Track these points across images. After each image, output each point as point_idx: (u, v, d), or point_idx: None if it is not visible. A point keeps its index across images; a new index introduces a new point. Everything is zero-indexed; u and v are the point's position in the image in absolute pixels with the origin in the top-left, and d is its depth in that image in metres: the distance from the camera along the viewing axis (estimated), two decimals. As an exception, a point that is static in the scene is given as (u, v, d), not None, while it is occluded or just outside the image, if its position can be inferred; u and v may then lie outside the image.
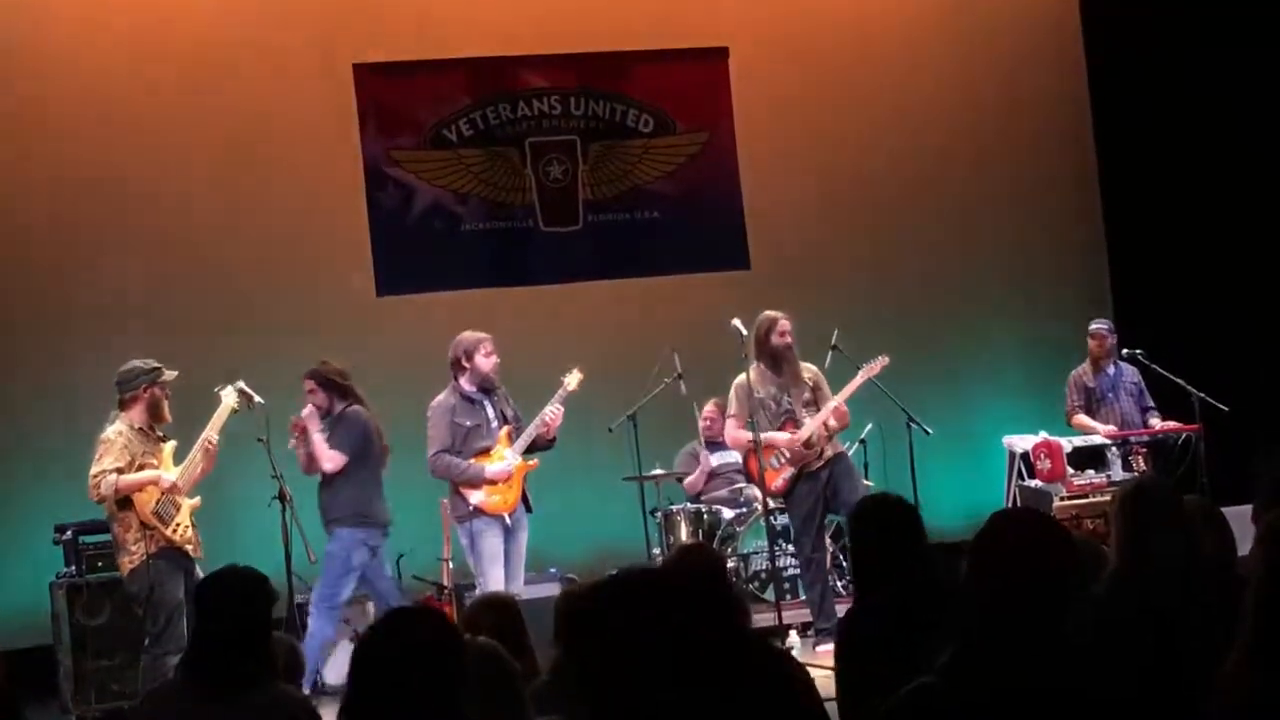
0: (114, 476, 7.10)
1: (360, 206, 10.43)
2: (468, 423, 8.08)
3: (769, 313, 8.47)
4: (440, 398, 8.16)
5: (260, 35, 10.27)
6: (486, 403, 8.17)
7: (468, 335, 8.17)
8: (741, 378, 8.45)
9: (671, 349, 9.10)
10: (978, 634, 2.97)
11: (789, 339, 8.41)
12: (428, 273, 10.56)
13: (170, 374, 7.40)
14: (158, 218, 9.99)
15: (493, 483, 8.04)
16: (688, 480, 9.82)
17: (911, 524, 4.18)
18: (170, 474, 7.25)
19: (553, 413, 8.12)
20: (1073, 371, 9.91)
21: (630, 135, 10.99)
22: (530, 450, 8.17)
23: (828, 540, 8.77)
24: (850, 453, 9.76)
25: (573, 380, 8.23)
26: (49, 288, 9.84)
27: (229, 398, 7.54)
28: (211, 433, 7.42)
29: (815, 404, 8.44)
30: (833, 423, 8.43)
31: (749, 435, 8.39)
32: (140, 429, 7.29)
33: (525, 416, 8.22)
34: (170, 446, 7.40)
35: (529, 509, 8.19)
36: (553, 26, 10.75)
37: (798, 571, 8.84)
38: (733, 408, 8.55)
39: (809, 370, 8.56)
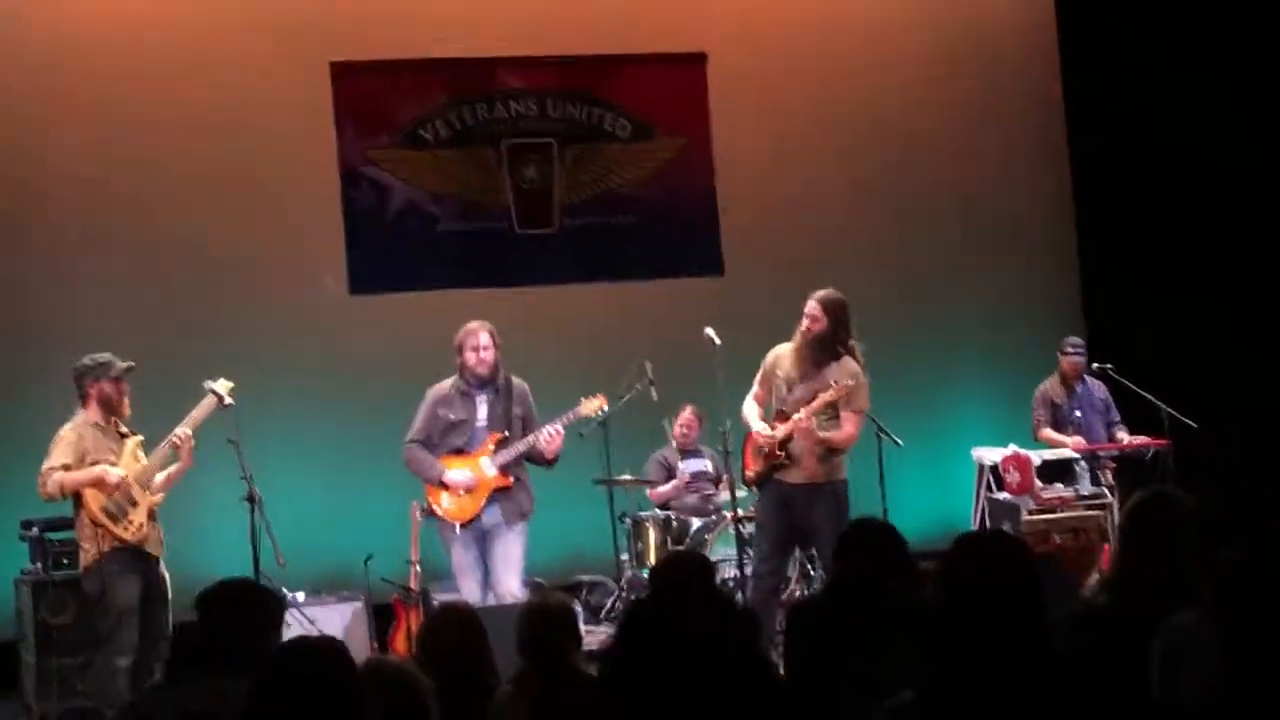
0: (60, 474, 6.98)
1: (335, 205, 10.40)
2: (451, 416, 7.67)
3: (821, 293, 7.64)
4: (440, 383, 7.80)
5: (237, 32, 10.22)
6: (481, 399, 7.71)
7: (466, 325, 7.73)
8: (781, 346, 7.79)
9: (644, 358, 9.04)
10: (953, 654, 2.99)
11: (804, 325, 7.58)
12: (402, 272, 10.52)
13: (122, 365, 7.22)
14: (130, 216, 9.93)
15: (447, 487, 7.68)
16: (656, 490, 9.76)
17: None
18: (117, 470, 7.07)
19: (549, 434, 7.58)
20: (1040, 386, 9.92)
21: (607, 139, 10.96)
22: (530, 463, 7.74)
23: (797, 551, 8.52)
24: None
25: (589, 407, 7.81)
26: (18, 284, 9.76)
27: (221, 388, 7.32)
28: (184, 428, 7.21)
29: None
30: (794, 436, 7.51)
31: (755, 423, 7.68)
32: (98, 425, 7.18)
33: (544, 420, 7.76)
34: (134, 441, 7.27)
35: (510, 519, 7.66)
36: (532, 28, 10.73)
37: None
38: (757, 380, 7.83)
39: (847, 371, 7.54)
